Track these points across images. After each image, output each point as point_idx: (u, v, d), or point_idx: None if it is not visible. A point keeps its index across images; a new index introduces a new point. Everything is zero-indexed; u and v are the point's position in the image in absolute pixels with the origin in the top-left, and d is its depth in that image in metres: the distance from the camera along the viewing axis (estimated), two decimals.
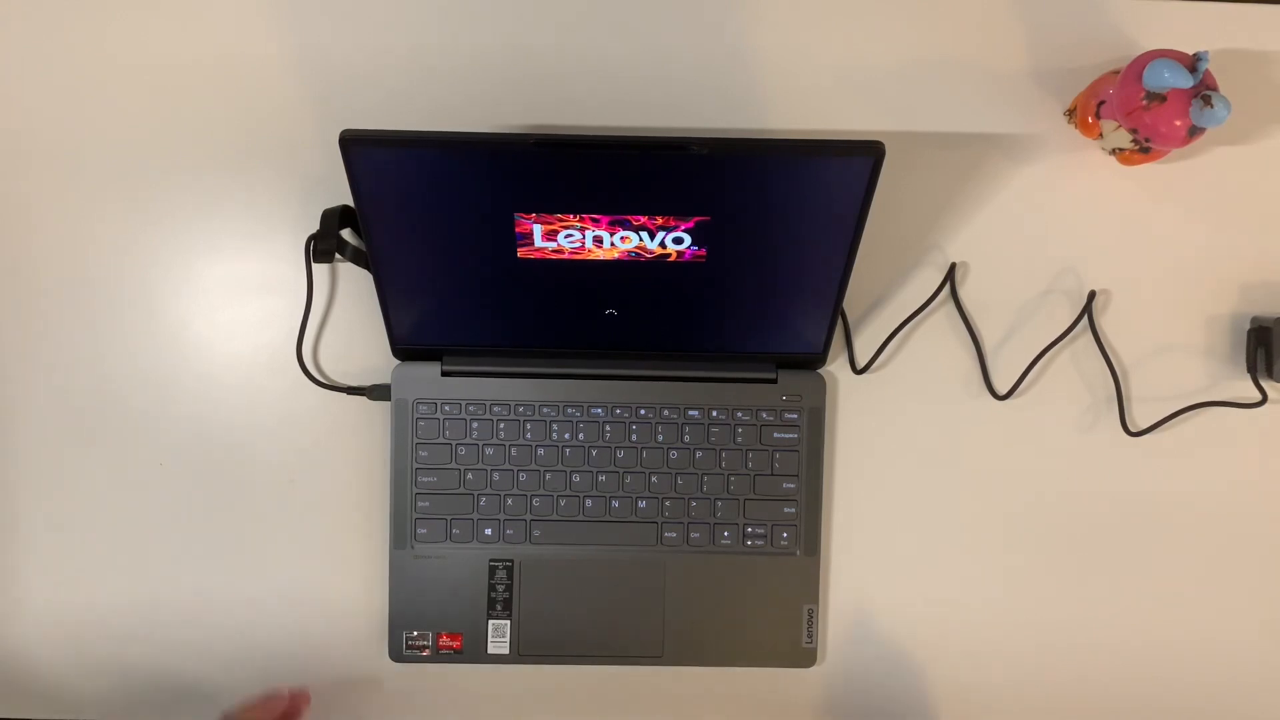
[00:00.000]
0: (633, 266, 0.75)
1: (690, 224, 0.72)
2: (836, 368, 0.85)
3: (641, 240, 0.73)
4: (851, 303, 0.84)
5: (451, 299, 0.78)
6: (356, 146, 0.68)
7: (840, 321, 0.84)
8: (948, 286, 0.84)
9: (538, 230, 0.72)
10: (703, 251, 0.74)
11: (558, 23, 0.84)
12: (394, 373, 0.83)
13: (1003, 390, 0.84)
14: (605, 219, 0.72)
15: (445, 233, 0.73)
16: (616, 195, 0.70)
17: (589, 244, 0.73)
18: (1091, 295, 0.84)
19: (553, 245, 0.73)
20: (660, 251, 0.74)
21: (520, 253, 0.74)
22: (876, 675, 0.85)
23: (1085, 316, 0.84)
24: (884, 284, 0.85)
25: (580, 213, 0.71)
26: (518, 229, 0.72)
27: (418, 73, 0.83)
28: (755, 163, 0.69)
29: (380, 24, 0.83)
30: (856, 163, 0.69)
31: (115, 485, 0.84)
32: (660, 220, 0.72)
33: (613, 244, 0.73)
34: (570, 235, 0.73)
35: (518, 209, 0.71)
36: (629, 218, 0.71)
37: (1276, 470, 0.86)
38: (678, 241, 0.73)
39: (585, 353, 0.82)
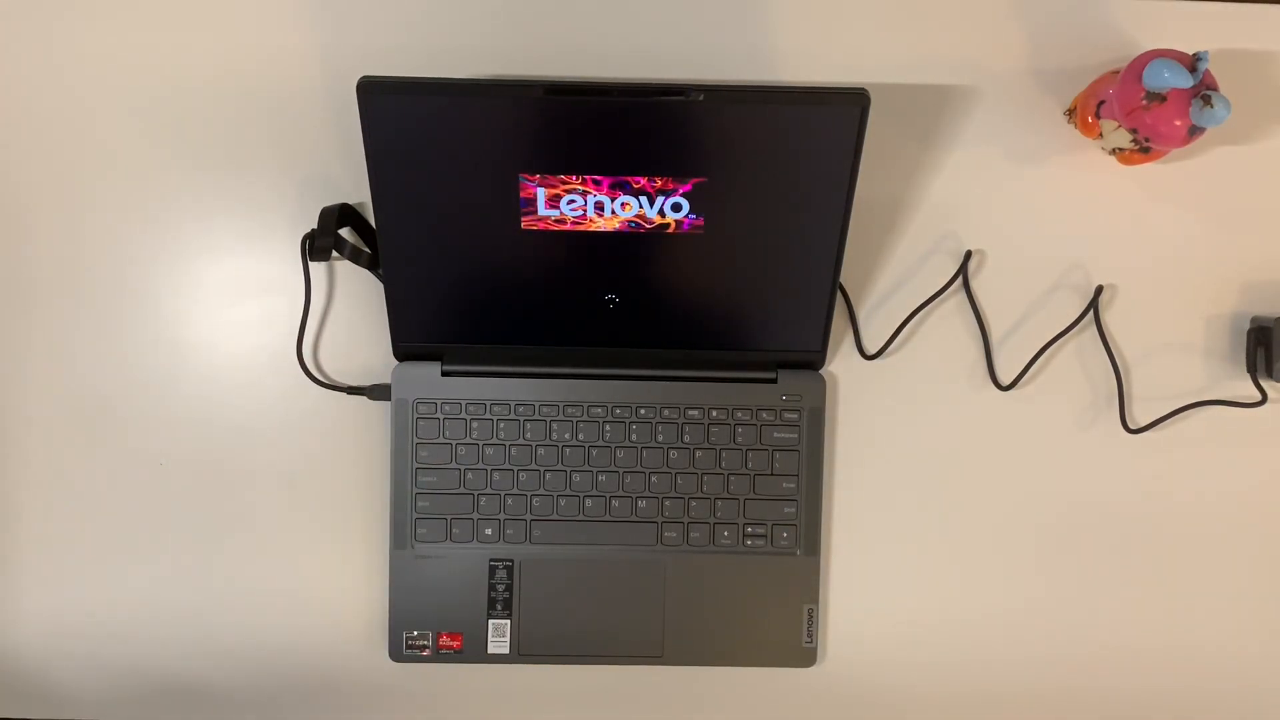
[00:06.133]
0: (633, 240, 0.76)
1: (688, 186, 0.74)
2: (841, 356, 0.85)
3: (641, 208, 0.74)
4: (852, 294, 0.85)
5: (454, 277, 0.78)
6: (373, 93, 0.71)
7: (845, 306, 0.84)
8: (961, 275, 0.84)
9: (541, 195, 0.74)
10: (700, 221, 0.75)
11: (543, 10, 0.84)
12: (394, 373, 0.83)
13: (1006, 381, 0.84)
14: (606, 181, 0.73)
15: (451, 198, 0.75)
16: (617, 150, 0.73)
17: (590, 212, 0.74)
18: (1098, 290, 0.84)
19: (555, 214, 0.75)
20: (660, 221, 0.75)
21: (524, 223, 0.75)
22: (876, 675, 0.86)
23: (1091, 311, 0.84)
24: (883, 277, 0.85)
25: (583, 173, 0.73)
26: (522, 193, 0.74)
27: (418, 70, 0.83)
28: (749, 111, 0.72)
29: (379, 23, 0.83)
30: (844, 112, 0.72)
31: (115, 485, 0.84)
32: (659, 183, 0.74)
33: (613, 211, 0.75)
34: (573, 201, 0.74)
35: (523, 169, 0.73)
36: (629, 179, 0.73)
37: (1276, 470, 0.86)
38: (676, 209, 0.75)
39: (585, 350, 0.82)
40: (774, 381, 0.83)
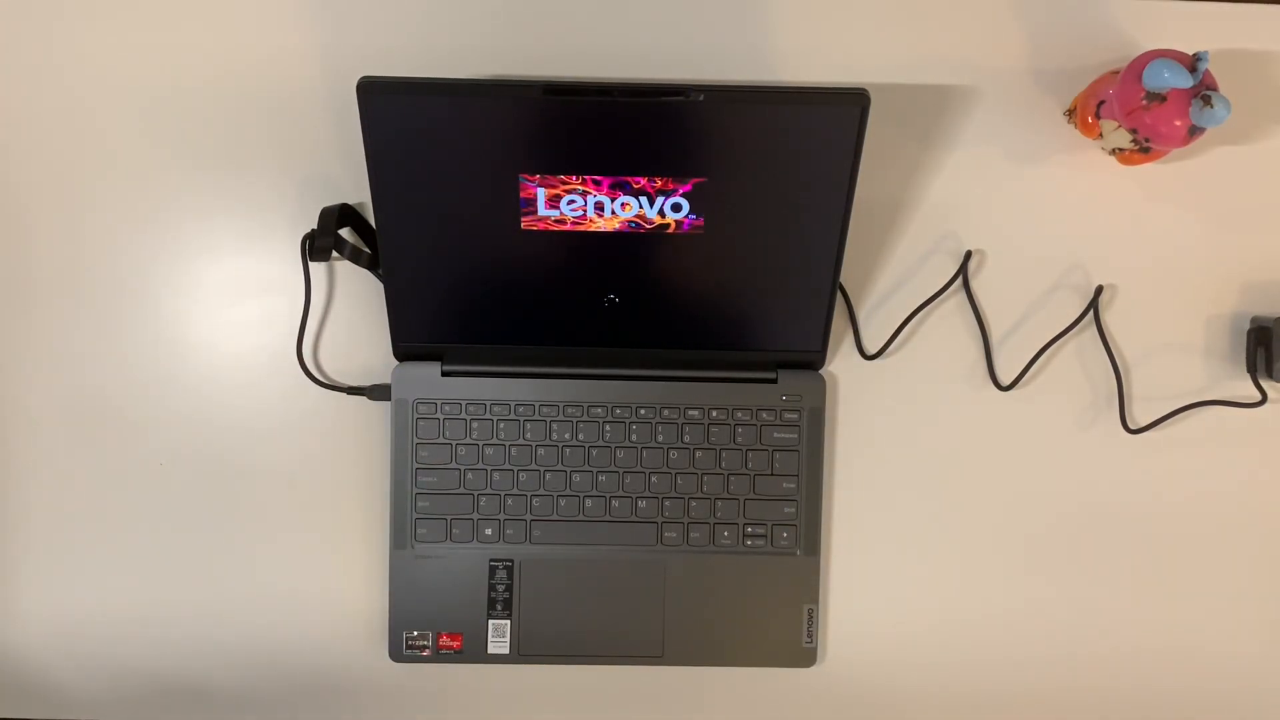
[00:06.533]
0: (633, 240, 0.76)
1: (688, 186, 0.74)
2: (841, 356, 0.85)
3: (641, 208, 0.75)
4: (851, 294, 0.85)
5: (454, 278, 0.79)
6: (373, 93, 0.71)
7: (845, 306, 0.84)
8: (961, 275, 0.84)
9: (541, 195, 0.74)
10: (700, 221, 0.75)
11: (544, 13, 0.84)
12: (394, 373, 0.83)
13: (1006, 381, 0.84)
14: (606, 181, 0.74)
15: (451, 198, 0.75)
16: (617, 150, 0.73)
17: (590, 212, 0.75)
18: (1098, 290, 0.84)
19: (555, 214, 0.75)
20: (660, 221, 0.75)
21: (524, 223, 0.75)
22: (876, 675, 0.86)
23: (1091, 311, 0.84)
24: (883, 277, 0.85)
25: (582, 173, 0.73)
26: (522, 194, 0.74)
27: (418, 70, 0.83)
28: (749, 111, 0.72)
29: (379, 23, 0.83)
30: (844, 112, 0.72)
31: (115, 485, 0.84)
32: (659, 183, 0.74)
33: (613, 212, 0.75)
34: (573, 201, 0.74)
35: (522, 170, 0.73)
36: (629, 179, 0.74)
37: (1275, 470, 0.86)
38: (676, 209, 0.75)
39: (585, 350, 0.82)
40: (774, 381, 0.83)
